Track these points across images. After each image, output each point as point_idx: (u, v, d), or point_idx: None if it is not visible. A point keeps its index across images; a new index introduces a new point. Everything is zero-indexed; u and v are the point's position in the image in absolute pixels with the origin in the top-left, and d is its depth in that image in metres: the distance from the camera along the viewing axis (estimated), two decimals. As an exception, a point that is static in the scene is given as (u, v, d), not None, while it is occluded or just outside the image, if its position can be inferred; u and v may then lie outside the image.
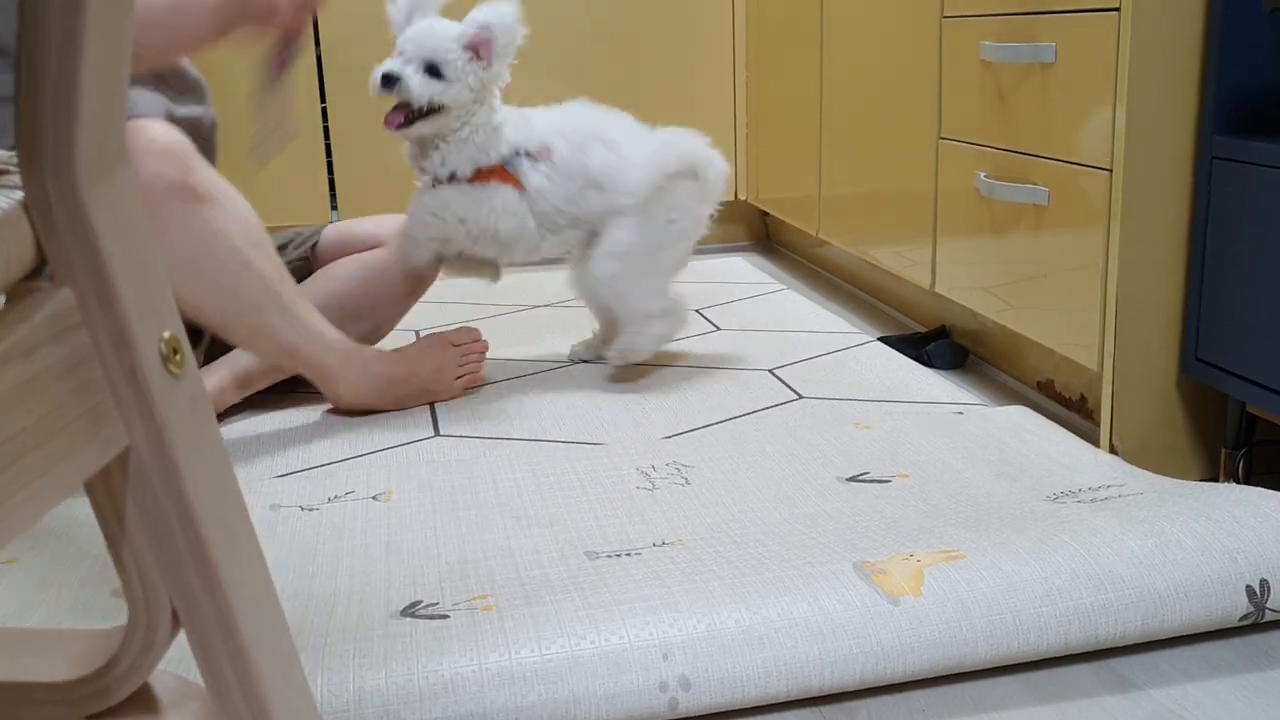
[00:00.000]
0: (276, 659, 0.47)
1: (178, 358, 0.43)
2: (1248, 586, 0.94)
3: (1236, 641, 0.96)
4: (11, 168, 0.42)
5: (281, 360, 1.48)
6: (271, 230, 1.71)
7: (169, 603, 0.44)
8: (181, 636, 0.47)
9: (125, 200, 0.43)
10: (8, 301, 0.41)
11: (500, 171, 1.59)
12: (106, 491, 0.44)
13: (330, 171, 2.49)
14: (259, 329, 1.40)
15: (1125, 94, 1.20)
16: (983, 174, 1.50)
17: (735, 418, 1.49)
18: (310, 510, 1.21)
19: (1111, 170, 1.23)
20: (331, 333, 1.47)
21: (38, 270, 0.42)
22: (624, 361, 1.66)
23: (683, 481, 1.25)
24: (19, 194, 0.40)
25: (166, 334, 0.43)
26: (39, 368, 0.39)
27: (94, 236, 0.41)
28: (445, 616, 0.93)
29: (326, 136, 2.47)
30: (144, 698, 0.46)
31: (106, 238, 0.41)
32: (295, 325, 1.42)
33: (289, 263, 1.62)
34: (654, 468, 1.29)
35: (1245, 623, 0.95)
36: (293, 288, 1.42)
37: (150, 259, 0.43)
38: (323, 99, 2.45)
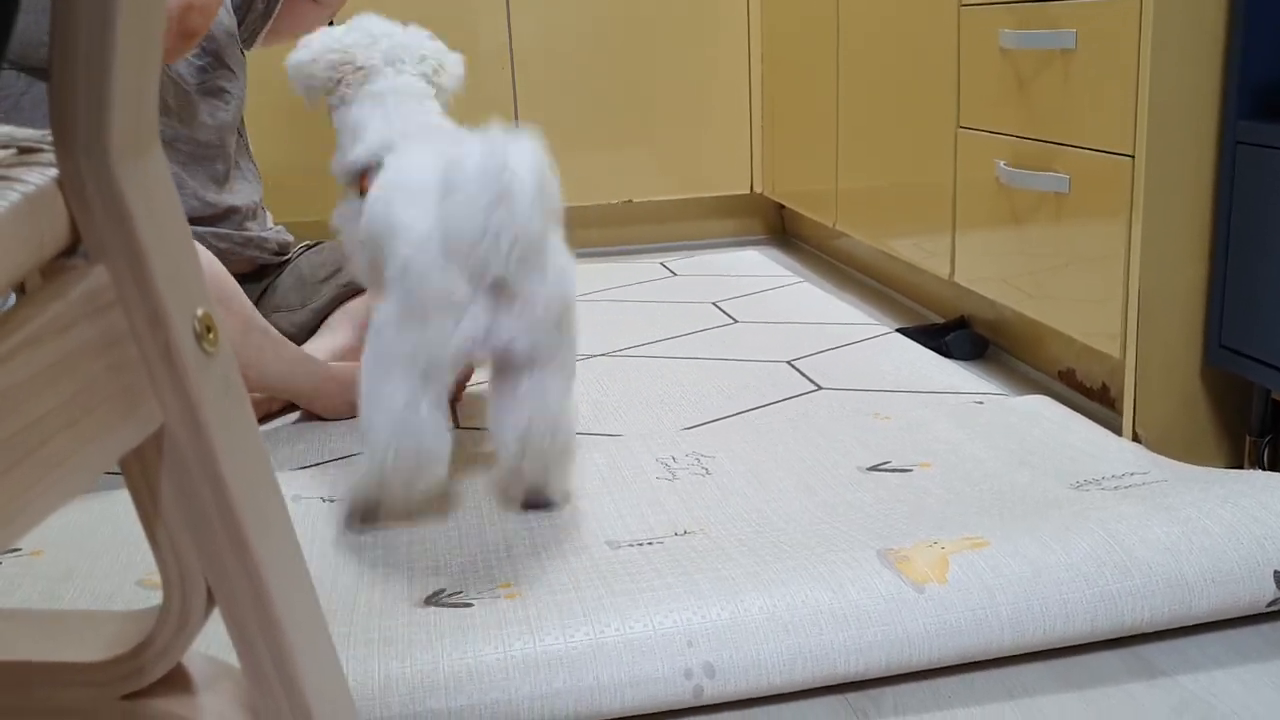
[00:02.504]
0: (310, 638, 0.46)
1: (211, 336, 0.43)
2: (1275, 572, 0.93)
3: (1265, 628, 0.95)
4: (45, 146, 0.42)
5: (259, 390, 1.50)
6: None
7: (204, 582, 0.44)
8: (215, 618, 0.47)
9: (157, 179, 0.43)
10: (42, 279, 0.41)
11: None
12: (141, 471, 0.44)
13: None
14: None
15: (1147, 79, 1.19)
16: (1002, 162, 1.50)
17: (754, 409, 1.49)
18: (332, 501, 1.21)
19: (1134, 156, 1.23)
20: (304, 363, 1.49)
21: (72, 249, 0.42)
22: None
23: (703, 472, 1.24)
24: (53, 171, 0.40)
25: (200, 312, 0.43)
26: (73, 345, 0.39)
27: (128, 214, 0.41)
28: (469, 605, 0.93)
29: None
30: (178, 678, 0.46)
31: (140, 216, 0.41)
32: (263, 362, 1.43)
33: (342, 286, 1.67)
34: (674, 458, 1.29)
35: (1273, 609, 0.94)
36: (261, 327, 1.43)
37: (182, 238, 0.43)
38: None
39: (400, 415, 1.02)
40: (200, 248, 1.41)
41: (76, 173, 0.40)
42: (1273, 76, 1.17)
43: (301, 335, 1.65)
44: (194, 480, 0.43)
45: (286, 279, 1.71)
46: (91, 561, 1.08)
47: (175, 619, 0.45)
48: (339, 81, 1.30)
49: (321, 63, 1.30)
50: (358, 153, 1.26)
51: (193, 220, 1.61)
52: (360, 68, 1.30)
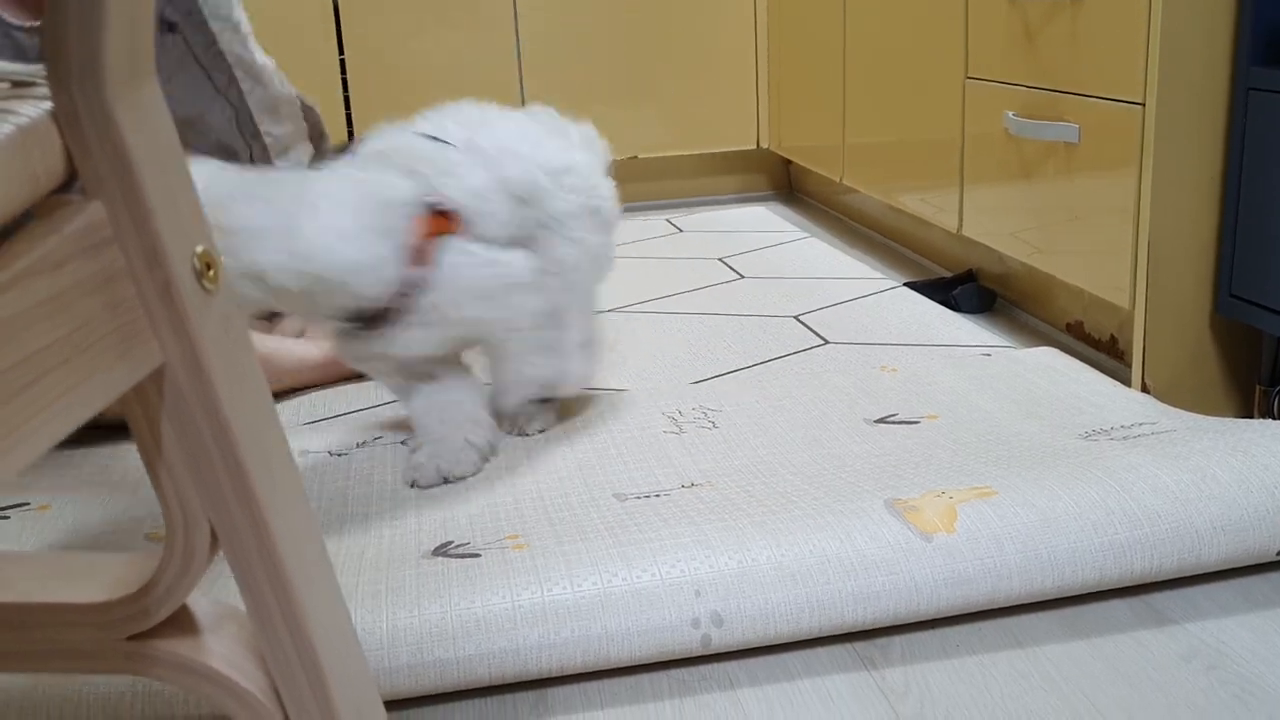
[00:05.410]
0: (315, 579, 0.46)
1: (211, 273, 0.43)
2: (1285, 520, 0.93)
3: (1274, 576, 0.95)
4: (39, 80, 0.41)
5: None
6: None
7: (207, 523, 0.44)
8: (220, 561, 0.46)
9: (154, 113, 0.42)
10: (37, 216, 0.40)
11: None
12: (143, 411, 0.43)
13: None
14: None
15: (1158, 25, 1.17)
16: (1011, 113, 1.48)
17: (762, 363, 1.48)
18: (339, 455, 1.21)
19: (1144, 104, 1.21)
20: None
21: (68, 184, 0.41)
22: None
23: (710, 425, 1.24)
24: (48, 105, 0.39)
25: (199, 249, 0.42)
26: (69, 282, 0.39)
27: (124, 148, 0.40)
28: (477, 555, 0.93)
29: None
30: (182, 619, 0.46)
31: (136, 150, 0.40)
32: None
33: None
34: (681, 413, 1.29)
35: (1283, 557, 0.94)
36: None
37: (180, 174, 0.43)
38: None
39: None
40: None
41: (71, 105, 0.39)
42: (1287, 21, 1.15)
43: None
44: (195, 420, 0.43)
45: None
46: (100, 515, 1.09)
47: (179, 560, 0.44)
48: None
49: None
50: None
51: None
52: None
